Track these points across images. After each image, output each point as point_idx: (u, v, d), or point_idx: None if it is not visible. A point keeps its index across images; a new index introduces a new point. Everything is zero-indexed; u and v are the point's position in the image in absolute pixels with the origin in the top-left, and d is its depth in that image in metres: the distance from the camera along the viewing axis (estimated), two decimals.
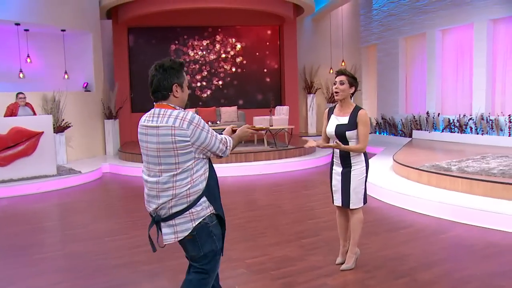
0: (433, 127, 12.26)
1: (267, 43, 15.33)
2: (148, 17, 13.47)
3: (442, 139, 11.88)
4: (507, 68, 10.66)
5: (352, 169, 4.02)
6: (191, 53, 14.88)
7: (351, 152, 3.99)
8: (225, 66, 15.08)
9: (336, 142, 3.90)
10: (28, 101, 9.55)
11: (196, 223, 2.58)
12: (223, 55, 15.04)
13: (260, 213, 6.45)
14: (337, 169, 4.11)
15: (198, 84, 14.93)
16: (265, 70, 15.33)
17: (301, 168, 10.35)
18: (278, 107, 13.08)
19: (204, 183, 2.61)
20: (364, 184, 4.08)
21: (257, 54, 15.24)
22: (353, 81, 4.02)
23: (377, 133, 14.69)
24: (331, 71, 15.61)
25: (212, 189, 2.67)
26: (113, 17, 13.70)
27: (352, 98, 4.10)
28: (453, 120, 11.64)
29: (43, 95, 10.68)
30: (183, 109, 2.61)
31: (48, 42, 11.84)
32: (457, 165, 7.27)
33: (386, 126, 14.25)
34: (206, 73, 14.99)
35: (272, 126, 11.39)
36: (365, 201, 4.13)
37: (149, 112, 2.65)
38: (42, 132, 8.87)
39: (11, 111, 9.25)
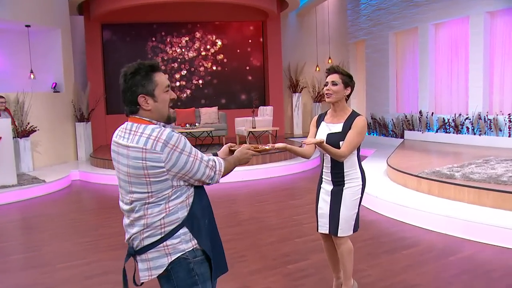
0: (427, 127, 11.58)
1: (250, 40, 14.55)
2: (122, 12, 12.59)
3: (436, 140, 11.20)
4: (505, 64, 9.99)
5: (345, 187, 3.27)
6: (169, 51, 14.04)
7: (344, 166, 3.25)
8: (205, 64, 14.27)
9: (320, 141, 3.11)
10: None
11: (173, 258, 2.12)
12: (203, 53, 14.23)
13: (240, 229, 5.65)
14: (327, 187, 3.36)
15: (177, 83, 14.11)
16: (248, 68, 14.54)
17: (287, 173, 9.57)
18: (261, 107, 12.28)
19: (185, 212, 2.14)
20: (358, 207, 3.32)
21: (239, 51, 14.45)
22: (349, 81, 3.26)
23: (367, 134, 13.97)
24: (318, 69, 14.90)
25: (197, 218, 2.17)
26: (85, 12, 12.78)
27: (347, 101, 3.34)
28: (448, 119, 10.96)
29: (5, 96, 9.75)
30: (161, 124, 2.14)
31: (12, 39, 10.91)
32: (460, 171, 6.55)
33: (376, 126, 13.55)
34: (185, 71, 14.17)
35: (255, 128, 10.62)
36: (355, 228, 3.35)
37: (123, 125, 2.19)
38: (0, 138, 7.98)
39: None
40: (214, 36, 14.28)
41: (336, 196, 3.28)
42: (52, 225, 6.32)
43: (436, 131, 11.32)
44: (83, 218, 6.66)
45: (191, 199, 2.15)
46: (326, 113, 3.41)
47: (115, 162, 2.19)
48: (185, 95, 14.17)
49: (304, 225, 5.68)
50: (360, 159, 3.33)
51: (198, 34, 14.20)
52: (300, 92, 15.06)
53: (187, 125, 10.64)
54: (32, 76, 10.82)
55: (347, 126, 3.21)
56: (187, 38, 14.14)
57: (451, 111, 11.24)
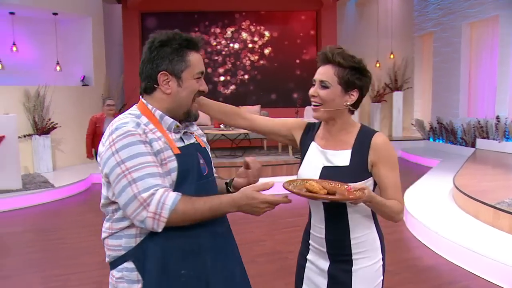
0: (505, 136, 9.70)
1: (301, 32, 13.15)
2: (164, 0, 11.59)
3: None
4: None
5: (354, 268, 1.84)
6: (213, 42, 12.91)
7: (351, 228, 1.83)
8: (252, 58, 13.01)
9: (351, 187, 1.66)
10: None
11: None
12: (250, 45, 12.98)
13: (254, 268, 4.32)
14: (319, 264, 1.92)
15: (221, 78, 12.96)
16: (298, 62, 13.14)
17: None
18: (308, 108, 10.85)
19: (132, 242, 1.57)
20: None
21: (289, 44, 13.09)
22: (354, 77, 1.80)
23: (431, 140, 12.19)
24: (378, 65, 13.23)
25: (156, 257, 1.54)
26: (122, 0, 11.90)
27: (353, 113, 1.89)
28: None
29: (24, 90, 8.96)
30: (173, 123, 1.65)
31: (38, 28, 10.13)
32: None
33: (443, 132, 11.74)
34: (230, 65, 12.99)
35: None
36: None
37: None
38: (3, 137, 7.11)
39: (94, 125, 7.26)
40: (262, 27, 13.00)
41: (339, 283, 1.85)
42: (31, 246, 5.31)
43: None
44: (77, 237, 5.59)
45: (142, 232, 1.57)
46: (319, 125, 1.98)
47: None
48: (229, 91, 13.00)
49: None
50: (375, 213, 1.89)
51: (244, 25, 12.98)
52: None
53: (221, 125, 9.42)
54: (58, 68, 10.01)
55: (360, 155, 1.81)
56: (232, 29, 12.97)
57: None
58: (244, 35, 13.02)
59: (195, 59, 1.66)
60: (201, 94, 1.72)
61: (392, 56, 13.23)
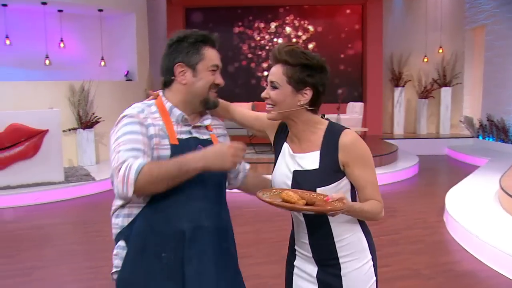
0: None
1: (346, 26, 12.90)
2: None
3: None
4: None
5: (343, 272, 1.75)
6: (257, 37, 12.85)
7: (334, 230, 1.74)
8: None
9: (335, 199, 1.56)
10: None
11: (113, 270, 1.73)
12: (294, 40, 12.83)
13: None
14: (307, 269, 1.83)
15: (265, 73, 12.88)
16: (343, 57, 12.89)
17: (380, 183, 7.80)
18: (350, 104, 10.65)
19: (125, 221, 1.69)
20: None
21: (334, 38, 12.88)
22: (305, 75, 1.70)
23: (480, 138, 11.65)
24: (425, 60, 12.76)
25: (141, 238, 1.65)
26: None
27: (317, 112, 1.79)
28: None
29: (69, 85, 9.21)
30: (187, 117, 1.75)
31: (84, 24, 10.38)
32: None
33: (493, 130, 11.19)
34: None
35: None
36: None
37: None
38: (47, 131, 7.32)
39: None
40: (306, 22, 12.83)
41: None
42: (69, 237, 5.44)
43: None
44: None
45: (136, 209, 1.67)
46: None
47: None
48: None
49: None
50: None
51: (288, 19, 12.85)
52: (403, 86, 13.03)
53: None
54: (102, 63, 10.23)
55: (330, 157, 1.71)
56: (276, 24, 12.86)
57: None
58: (288, 29, 12.90)
59: (210, 53, 1.76)
60: (217, 87, 1.79)
61: (441, 51, 12.72)
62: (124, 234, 1.70)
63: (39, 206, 6.72)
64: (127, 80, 10.60)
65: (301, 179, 1.72)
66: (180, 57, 1.74)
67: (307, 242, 1.79)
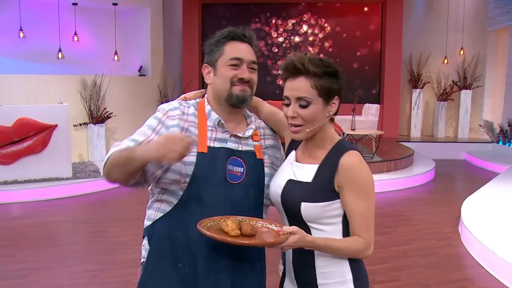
0: None
1: (364, 25, 12.61)
2: None
3: None
4: None
5: None
6: (274, 34, 12.65)
7: (316, 256, 1.60)
8: (312, 51, 12.63)
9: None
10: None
11: (141, 260, 1.74)
12: (310, 38, 12.61)
13: None
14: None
15: (280, 72, 12.67)
16: (360, 57, 12.62)
17: (394, 188, 7.63)
18: (366, 105, 10.40)
19: (153, 217, 1.69)
20: None
21: (351, 37, 12.59)
22: (332, 83, 1.58)
23: (500, 143, 11.29)
24: (446, 61, 12.41)
25: (160, 242, 1.64)
26: None
27: (333, 120, 1.68)
28: None
29: (81, 79, 9.13)
30: (214, 116, 1.69)
31: (98, 18, 10.30)
32: None
33: None
34: None
35: (354, 130, 8.82)
36: None
37: None
38: (55, 126, 7.23)
39: None
40: (323, 20, 12.58)
41: None
42: (70, 237, 5.34)
43: None
44: (115, 230, 5.56)
45: (159, 212, 1.67)
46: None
47: None
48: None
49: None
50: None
51: (306, 17, 12.62)
52: (422, 88, 12.71)
53: None
54: (116, 58, 10.14)
55: (327, 174, 1.58)
56: (293, 21, 12.64)
57: None
58: (305, 27, 12.67)
59: (231, 48, 1.67)
60: (242, 82, 1.67)
61: (462, 52, 12.37)
62: (147, 232, 1.71)
63: (45, 202, 6.66)
64: (140, 75, 10.51)
65: (290, 189, 1.61)
66: (206, 58, 1.73)
67: (291, 262, 1.67)
